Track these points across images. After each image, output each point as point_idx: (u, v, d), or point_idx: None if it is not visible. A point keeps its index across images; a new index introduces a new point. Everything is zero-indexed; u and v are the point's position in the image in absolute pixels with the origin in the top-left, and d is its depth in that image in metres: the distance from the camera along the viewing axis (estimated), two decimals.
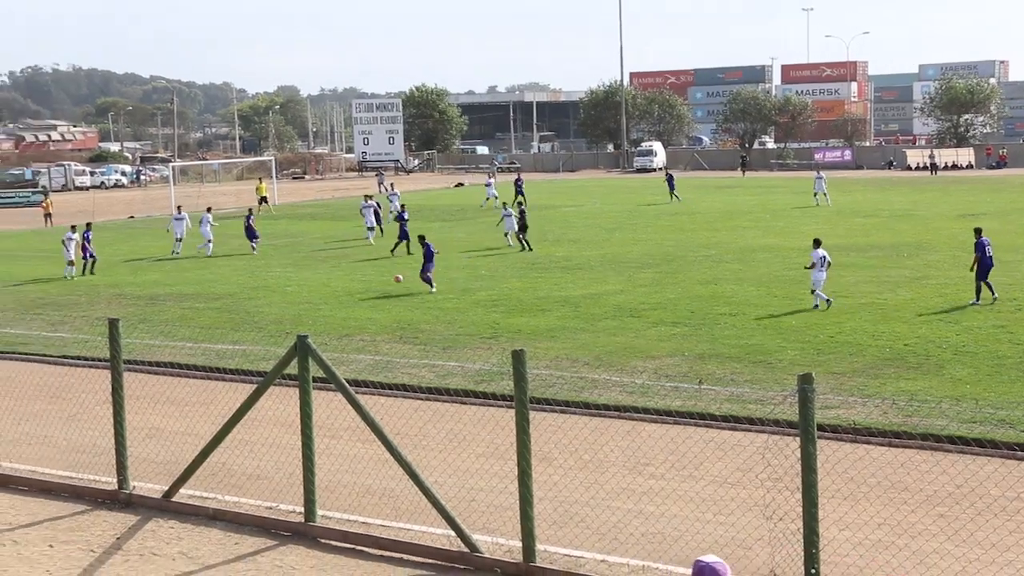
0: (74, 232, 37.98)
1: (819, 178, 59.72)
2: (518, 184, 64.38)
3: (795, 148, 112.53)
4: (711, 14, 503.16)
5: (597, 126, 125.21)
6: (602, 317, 25.64)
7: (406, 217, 42.51)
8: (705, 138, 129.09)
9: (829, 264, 26.25)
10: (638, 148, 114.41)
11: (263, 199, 64.45)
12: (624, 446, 15.05)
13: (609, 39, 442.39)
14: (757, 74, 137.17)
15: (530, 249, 39.73)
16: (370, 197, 49.21)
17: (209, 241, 43.91)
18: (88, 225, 39.95)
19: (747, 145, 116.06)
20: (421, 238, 31.99)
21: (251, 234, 43.55)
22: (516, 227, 41.11)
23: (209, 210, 46.58)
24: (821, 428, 12.62)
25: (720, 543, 11.62)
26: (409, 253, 39.74)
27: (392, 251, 40.64)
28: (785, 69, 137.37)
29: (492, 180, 67.00)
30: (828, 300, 25.84)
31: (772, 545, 11.11)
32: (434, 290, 30.28)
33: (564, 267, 35.14)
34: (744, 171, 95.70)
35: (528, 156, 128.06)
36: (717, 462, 14.25)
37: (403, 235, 41.03)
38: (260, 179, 72.16)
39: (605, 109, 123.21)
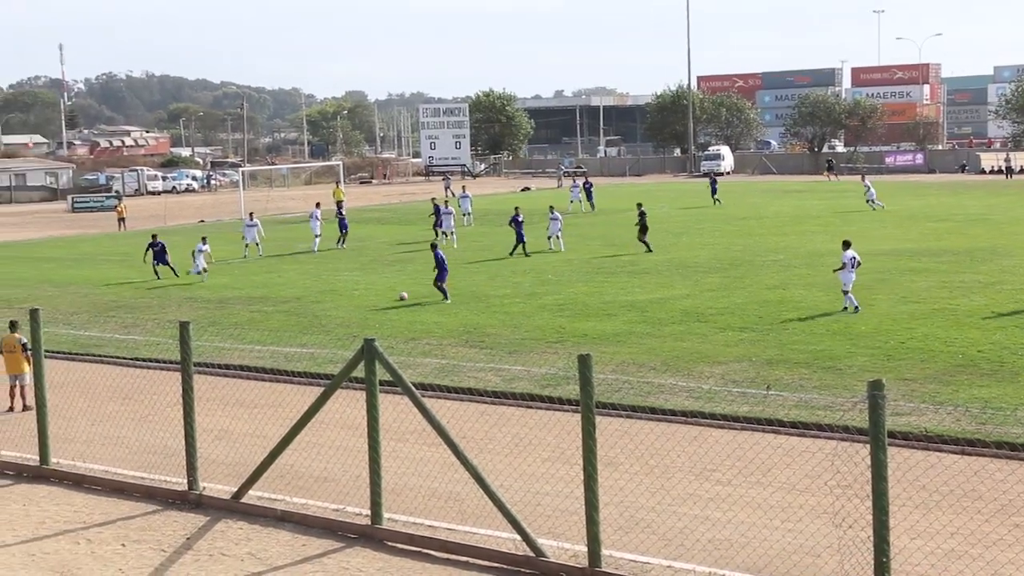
0: (205, 244, 37.90)
1: (867, 186, 59.13)
2: (587, 187, 64.32)
3: (865, 152, 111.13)
4: (780, 18, 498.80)
5: (664, 130, 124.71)
6: (669, 322, 25.51)
7: (520, 219, 41.86)
8: (773, 142, 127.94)
9: (859, 264, 26.46)
10: (705, 152, 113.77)
11: (339, 203, 64.34)
12: (690, 452, 14.96)
13: (677, 43, 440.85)
14: (826, 77, 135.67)
15: (650, 250, 40.09)
16: (318, 205, 48.16)
17: (317, 236, 45.76)
18: (154, 237, 39.46)
19: (816, 149, 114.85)
20: (433, 246, 31.58)
21: (343, 226, 46.58)
22: (560, 231, 42.19)
23: (318, 206, 48.38)
24: (892, 435, 12.45)
25: (788, 551, 11.50)
26: (527, 255, 40.02)
27: (511, 253, 40.70)
28: (855, 72, 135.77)
29: (578, 184, 65.89)
30: (856, 307, 25.85)
31: (841, 553, 10.98)
32: (448, 300, 29.87)
33: (630, 271, 35.01)
34: (831, 174, 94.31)
35: (594, 160, 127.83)
36: (785, 468, 14.11)
37: (520, 238, 40.92)
38: (336, 183, 72.89)
39: (672, 113, 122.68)
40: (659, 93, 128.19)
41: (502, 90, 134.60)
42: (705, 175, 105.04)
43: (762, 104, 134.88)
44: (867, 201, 57.38)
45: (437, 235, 46.22)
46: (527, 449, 15.28)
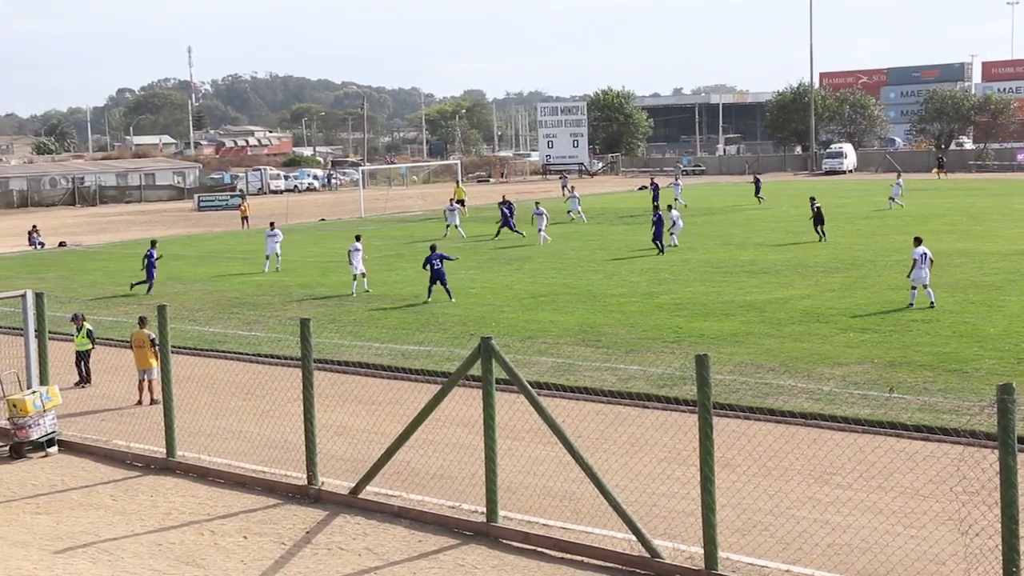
0: (359, 242, 34.55)
1: (898, 183, 60.23)
2: (676, 187, 65.72)
3: (995, 149, 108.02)
4: (906, 12, 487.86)
5: (784, 128, 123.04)
6: (788, 322, 25.16)
7: (659, 220, 41.93)
8: (898, 139, 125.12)
9: (931, 262, 26.76)
10: (827, 150, 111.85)
11: (460, 202, 64.61)
12: (809, 455, 14.73)
13: (799, 39, 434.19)
14: (955, 72, 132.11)
15: (824, 238, 42.04)
16: (273, 225, 42.86)
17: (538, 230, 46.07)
18: (153, 243, 37.68)
19: (943, 146, 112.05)
20: (432, 248, 31.62)
21: (508, 221, 48.02)
22: (677, 231, 43.00)
23: (537, 204, 48.72)
24: (1022, 440, 12.09)
25: (911, 557, 11.25)
26: (661, 252, 40.30)
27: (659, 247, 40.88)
28: (986, 66, 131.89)
29: (680, 183, 67.15)
30: (932, 302, 26.32)
31: (968, 561, 10.70)
32: (453, 300, 30.32)
33: (749, 271, 34.63)
34: (941, 172, 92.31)
35: (713, 159, 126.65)
36: (908, 473, 13.80)
37: (657, 235, 41.18)
38: (457, 182, 73.45)
39: (793, 111, 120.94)
40: (780, 90, 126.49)
41: (620, 88, 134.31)
42: (828, 173, 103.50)
43: (887, 100, 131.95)
44: (890, 199, 58.52)
45: (498, 233, 49.23)
46: (643, 449, 15.21)
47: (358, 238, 35.15)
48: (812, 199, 44.96)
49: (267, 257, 40.58)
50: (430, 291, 31.00)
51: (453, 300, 30.44)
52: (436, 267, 30.92)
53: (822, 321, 25.13)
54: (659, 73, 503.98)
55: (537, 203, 48.91)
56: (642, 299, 29.71)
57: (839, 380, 19.19)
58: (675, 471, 14.34)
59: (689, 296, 29.89)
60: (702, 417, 10.96)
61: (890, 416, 16.43)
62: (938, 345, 21.89)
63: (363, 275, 33.80)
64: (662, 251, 40.57)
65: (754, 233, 47.25)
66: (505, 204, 50.69)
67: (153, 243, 37.90)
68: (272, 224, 42.40)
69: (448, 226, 51.71)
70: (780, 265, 35.66)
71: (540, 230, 46.12)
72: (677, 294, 30.34)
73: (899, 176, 67.17)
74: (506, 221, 48.83)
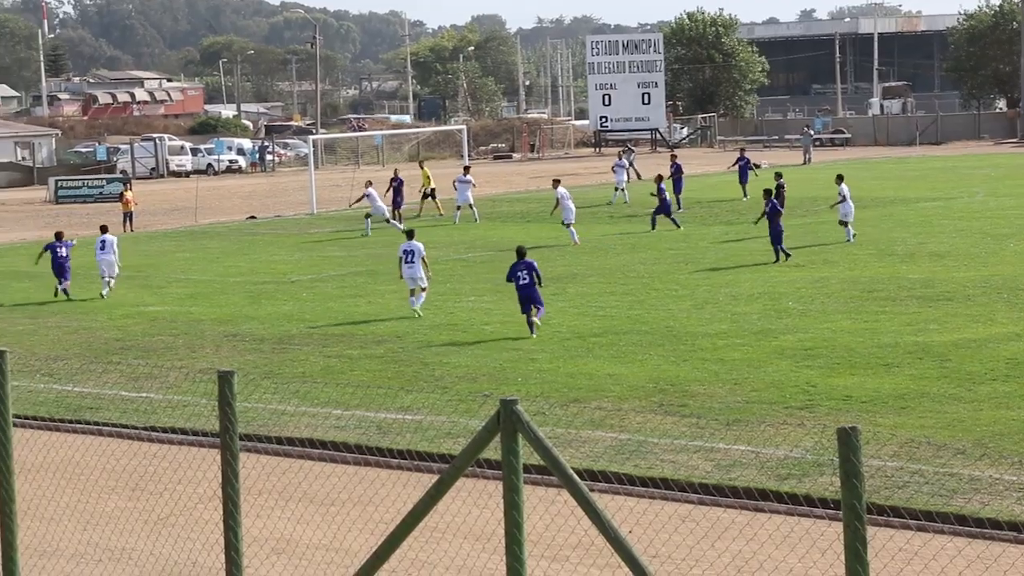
0: (413, 239, 35.90)
1: None
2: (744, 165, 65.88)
3: None
4: None
5: (979, 71, 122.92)
6: (986, 378, 25.06)
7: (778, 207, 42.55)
8: None
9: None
10: None
11: (428, 194, 64.42)
12: None
13: None
14: None
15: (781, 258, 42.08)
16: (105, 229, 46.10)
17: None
18: (58, 235, 42.49)
19: None
20: (519, 252, 32.38)
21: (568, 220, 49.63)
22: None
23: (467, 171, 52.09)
24: None
25: None
26: (781, 257, 41.55)
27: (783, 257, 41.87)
28: None
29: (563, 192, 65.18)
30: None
31: None
32: (534, 335, 30.98)
33: (922, 296, 34.54)
34: None
35: (865, 120, 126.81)
36: None
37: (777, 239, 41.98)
38: (421, 162, 72.38)
39: (991, 44, 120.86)
40: (969, 13, 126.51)
41: (717, 12, 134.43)
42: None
43: None
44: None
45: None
46: None
47: (410, 235, 35.98)
48: (778, 175, 46.03)
49: (102, 278, 41.82)
50: (531, 325, 31.20)
51: (534, 336, 30.85)
52: (522, 282, 31.24)
53: None
54: None
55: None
56: (752, 340, 29.64)
57: None
58: None
59: (826, 335, 29.80)
60: (849, 526, 10.92)
61: None
62: None
63: (423, 289, 34.95)
64: (781, 258, 41.40)
65: (930, 237, 47.11)
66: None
67: (58, 235, 41.31)
68: (104, 228, 44.25)
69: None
70: (973, 288, 35.54)
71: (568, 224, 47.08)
72: (807, 332, 30.26)
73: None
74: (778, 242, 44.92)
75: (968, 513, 17.15)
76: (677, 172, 63.54)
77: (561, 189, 52.15)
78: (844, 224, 46.03)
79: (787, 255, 41.50)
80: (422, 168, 67.80)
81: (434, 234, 52.45)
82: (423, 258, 34.58)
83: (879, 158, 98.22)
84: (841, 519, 11.06)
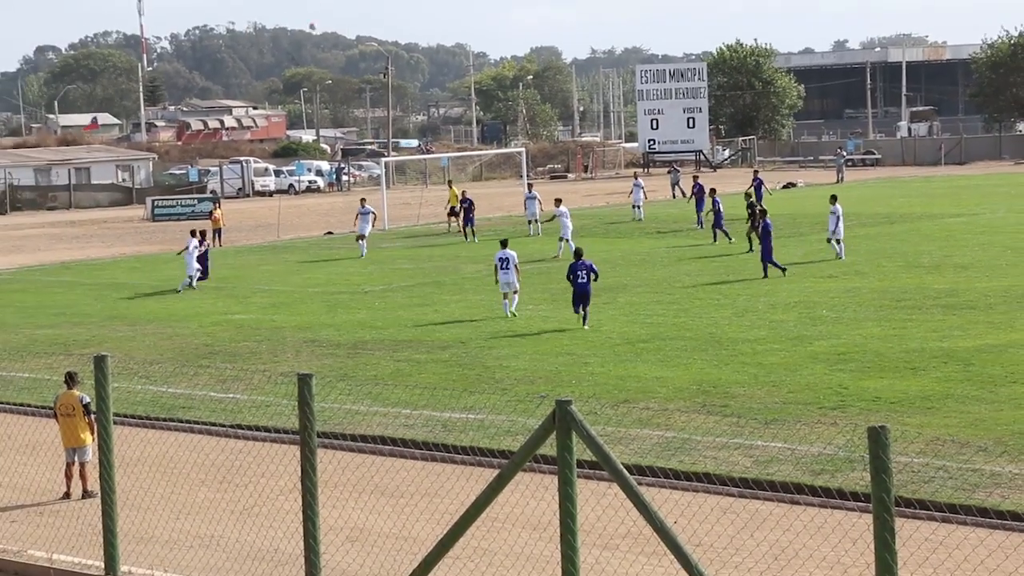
0: (506, 248, 36.34)
1: None
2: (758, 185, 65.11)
3: None
4: None
5: (1000, 96, 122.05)
6: (1007, 381, 24.92)
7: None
8: None
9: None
10: None
11: (453, 212, 64.01)
12: None
13: None
14: None
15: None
16: (198, 235, 47.95)
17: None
18: (194, 233, 46.35)
19: None
20: (577, 254, 33.66)
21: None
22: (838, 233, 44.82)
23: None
24: None
25: None
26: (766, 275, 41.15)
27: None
28: None
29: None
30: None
31: None
32: (586, 327, 32.61)
33: (947, 305, 34.35)
34: None
35: (894, 143, 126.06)
36: None
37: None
38: (450, 182, 71.74)
39: (1012, 71, 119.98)
40: (991, 41, 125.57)
41: (756, 42, 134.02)
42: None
43: None
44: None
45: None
46: (791, 564, 15.09)
47: (504, 244, 36.16)
48: (757, 182, 46.72)
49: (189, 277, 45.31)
50: (584, 317, 32.86)
51: (586, 327, 32.51)
52: (580, 280, 32.64)
53: None
54: (813, 20, 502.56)
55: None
56: (788, 346, 29.55)
57: None
58: None
59: (858, 341, 29.67)
60: (879, 518, 10.85)
61: None
62: None
63: (515, 292, 35.66)
64: (773, 272, 41.31)
65: (956, 250, 46.86)
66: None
67: (194, 232, 45.63)
68: (195, 232, 47.93)
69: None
70: (994, 297, 35.34)
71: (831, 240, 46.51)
72: (840, 339, 30.13)
73: None
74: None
75: (989, 506, 17.03)
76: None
77: (562, 207, 53.26)
78: (830, 241, 45.90)
79: (782, 269, 41.24)
80: (451, 188, 68.23)
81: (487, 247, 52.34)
82: (516, 265, 35.26)
83: (907, 177, 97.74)
84: (871, 511, 11.01)
